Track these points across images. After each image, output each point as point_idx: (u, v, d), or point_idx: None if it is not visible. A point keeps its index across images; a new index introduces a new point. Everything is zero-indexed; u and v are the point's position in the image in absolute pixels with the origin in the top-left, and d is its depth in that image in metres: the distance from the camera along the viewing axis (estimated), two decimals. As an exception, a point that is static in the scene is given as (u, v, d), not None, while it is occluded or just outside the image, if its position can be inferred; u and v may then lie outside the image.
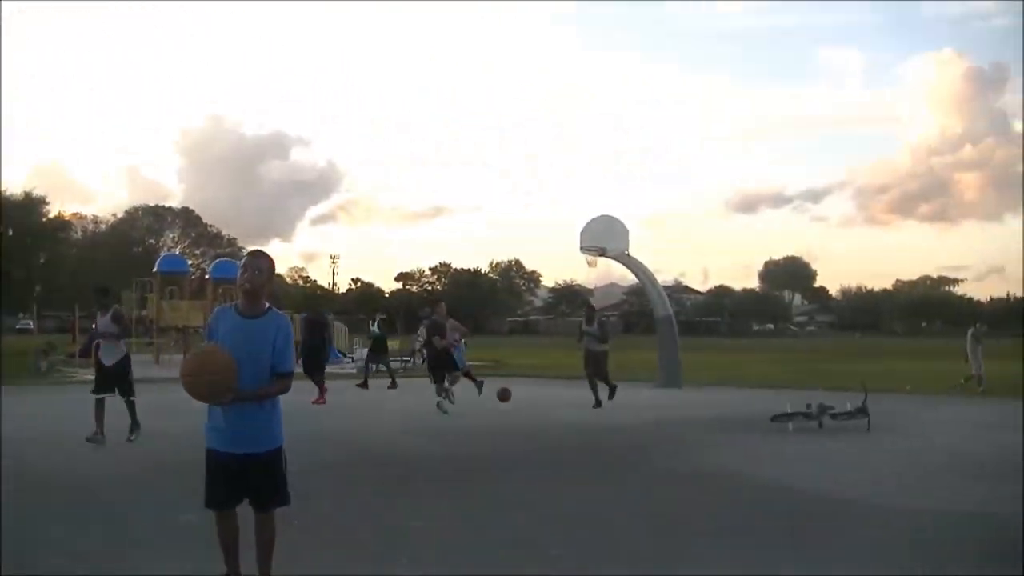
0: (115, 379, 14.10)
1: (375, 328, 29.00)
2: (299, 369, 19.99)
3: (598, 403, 19.72)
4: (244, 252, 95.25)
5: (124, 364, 14.19)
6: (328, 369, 24.00)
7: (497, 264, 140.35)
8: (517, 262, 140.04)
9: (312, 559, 7.32)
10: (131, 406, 14.14)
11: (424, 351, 19.66)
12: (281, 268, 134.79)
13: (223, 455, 5.99)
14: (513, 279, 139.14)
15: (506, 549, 7.81)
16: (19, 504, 9.34)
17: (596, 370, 20.08)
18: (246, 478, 5.98)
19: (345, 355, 42.69)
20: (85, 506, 9.57)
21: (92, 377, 14.53)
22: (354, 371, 33.56)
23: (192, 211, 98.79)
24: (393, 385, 25.85)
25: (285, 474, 6.10)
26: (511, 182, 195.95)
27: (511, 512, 9.42)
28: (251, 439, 5.96)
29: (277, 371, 5.98)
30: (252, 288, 6.07)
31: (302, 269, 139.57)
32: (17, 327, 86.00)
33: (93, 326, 14.57)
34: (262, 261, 6.20)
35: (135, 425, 14.16)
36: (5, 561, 7.03)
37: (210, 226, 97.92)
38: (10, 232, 58.67)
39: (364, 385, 25.58)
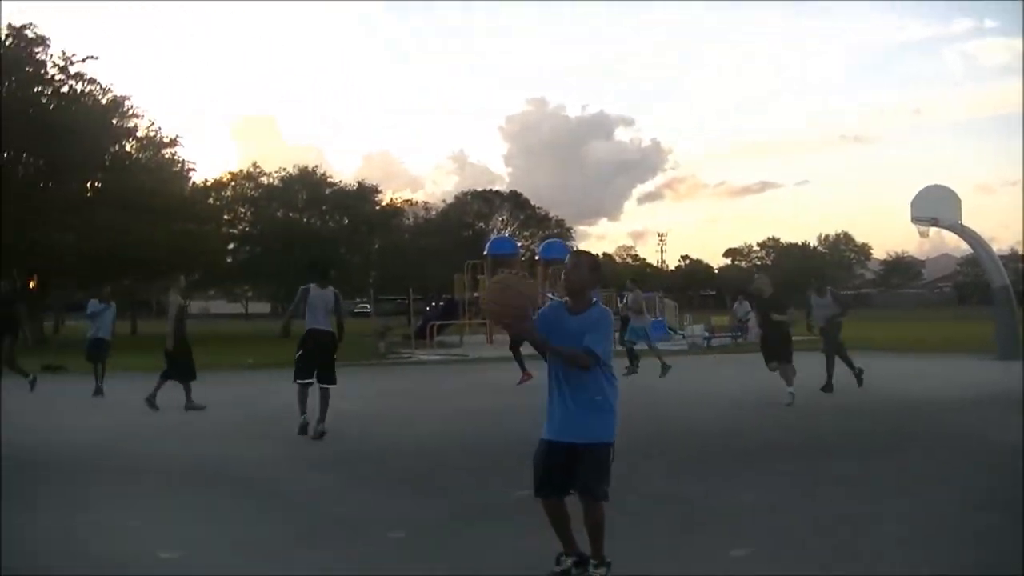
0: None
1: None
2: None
3: (829, 386, 17.78)
4: (572, 232, 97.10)
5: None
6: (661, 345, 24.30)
7: (826, 237, 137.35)
8: (846, 234, 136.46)
9: (645, 538, 7.35)
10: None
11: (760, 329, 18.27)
12: (609, 247, 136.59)
13: (553, 444, 6.12)
14: (843, 252, 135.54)
15: (838, 527, 7.60)
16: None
17: (830, 345, 18.31)
18: (573, 467, 6.04)
19: (676, 331, 42.95)
20: (426, 480, 9.98)
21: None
22: (685, 347, 33.76)
23: (520, 194, 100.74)
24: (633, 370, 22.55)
25: (609, 470, 6.10)
26: (839, 153, 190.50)
27: (842, 490, 9.15)
28: (578, 430, 6.04)
29: (584, 345, 6.00)
30: (572, 287, 6.21)
31: (631, 247, 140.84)
32: (355, 311, 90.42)
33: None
34: (583, 259, 6.37)
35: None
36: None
37: (538, 208, 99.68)
38: (346, 221, 61.51)
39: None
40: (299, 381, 13.00)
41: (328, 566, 6.78)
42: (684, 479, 9.80)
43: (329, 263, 14.84)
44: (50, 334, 50.66)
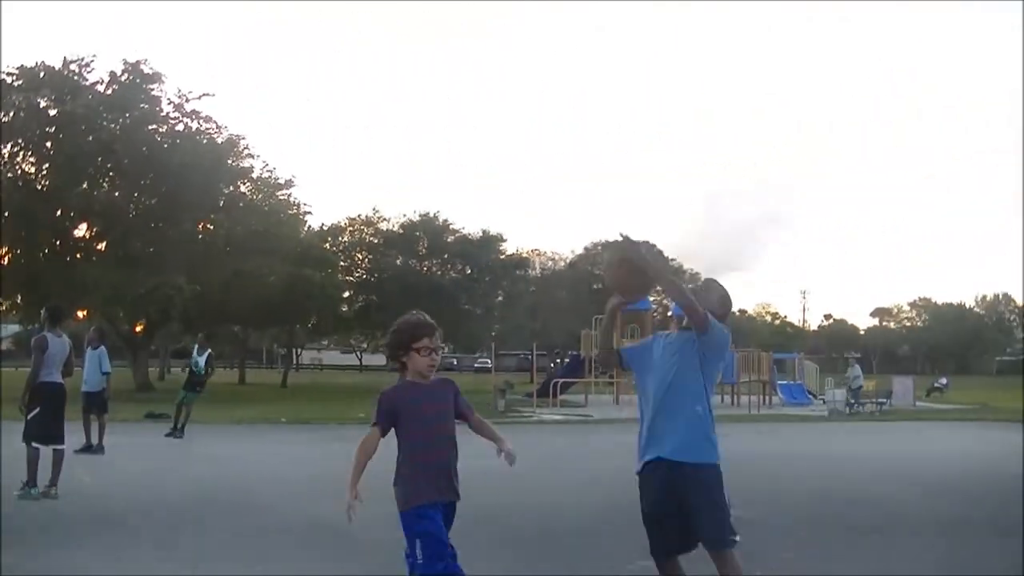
0: None
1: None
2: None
3: None
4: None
5: None
6: (797, 411, 23.59)
7: (983, 298, 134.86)
8: (1006, 295, 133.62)
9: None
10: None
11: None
12: (748, 304, 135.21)
13: None
14: (1002, 314, 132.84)
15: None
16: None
17: None
18: None
19: (816, 396, 42.46)
20: (534, 544, 10.04)
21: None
22: (825, 413, 33.28)
23: (653, 245, 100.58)
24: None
25: None
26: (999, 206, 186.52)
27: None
28: None
29: None
30: None
31: (768, 304, 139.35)
32: (476, 366, 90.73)
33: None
34: None
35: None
36: None
37: (672, 260, 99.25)
38: (468, 271, 62.04)
39: None
40: (48, 446, 12.37)
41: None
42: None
43: (62, 307, 14.02)
44: (156, 379, 51.96)
